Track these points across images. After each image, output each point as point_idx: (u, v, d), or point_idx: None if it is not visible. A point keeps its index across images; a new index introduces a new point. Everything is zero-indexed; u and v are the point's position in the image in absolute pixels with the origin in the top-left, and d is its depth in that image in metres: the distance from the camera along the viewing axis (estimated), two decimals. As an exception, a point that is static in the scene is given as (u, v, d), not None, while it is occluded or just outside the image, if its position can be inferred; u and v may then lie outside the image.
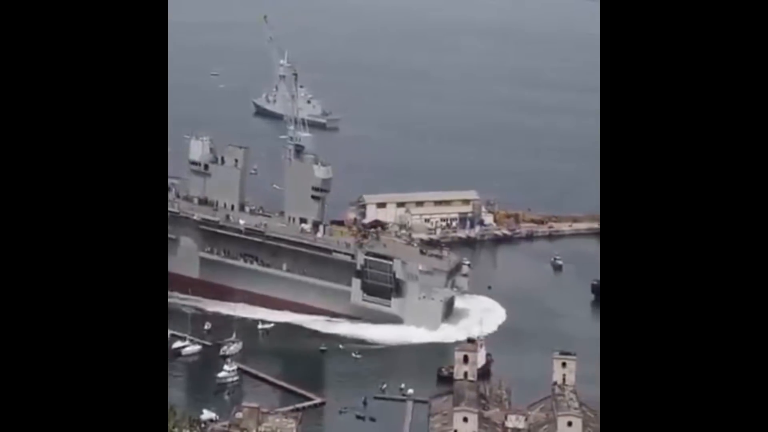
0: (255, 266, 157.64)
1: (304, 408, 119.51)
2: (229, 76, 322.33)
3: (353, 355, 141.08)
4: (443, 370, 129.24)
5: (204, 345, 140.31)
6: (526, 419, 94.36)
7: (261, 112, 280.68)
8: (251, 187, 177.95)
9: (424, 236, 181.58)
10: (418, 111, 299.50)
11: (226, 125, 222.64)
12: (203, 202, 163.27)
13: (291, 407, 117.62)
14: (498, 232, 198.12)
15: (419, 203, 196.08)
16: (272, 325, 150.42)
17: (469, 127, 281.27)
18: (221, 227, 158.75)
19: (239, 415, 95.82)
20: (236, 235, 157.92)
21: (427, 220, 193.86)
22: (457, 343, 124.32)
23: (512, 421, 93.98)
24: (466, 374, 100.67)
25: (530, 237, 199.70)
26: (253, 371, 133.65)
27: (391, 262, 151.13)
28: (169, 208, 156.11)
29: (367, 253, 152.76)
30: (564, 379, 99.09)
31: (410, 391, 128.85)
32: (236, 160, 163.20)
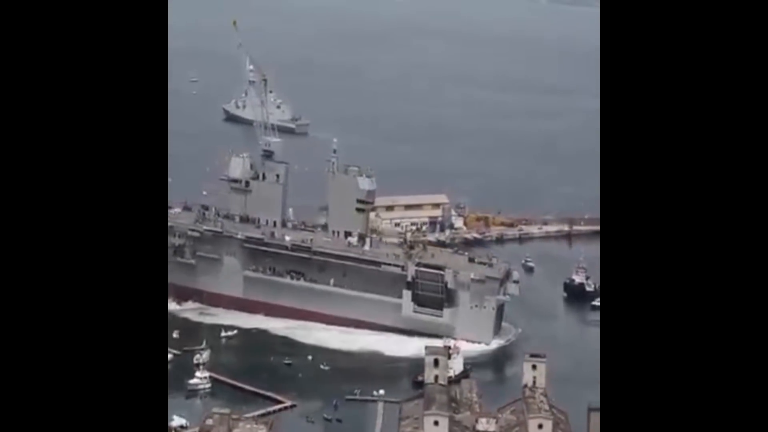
0: (302, 282, 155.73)
1: (274, 412, 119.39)
2: (200, 82, 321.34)
3: (321, 366, 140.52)
4: (419, 376, 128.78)
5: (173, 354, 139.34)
6: (496, 422, 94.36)
7: (231, 118, 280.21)
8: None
9: (395, 240, 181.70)
10: (383, 114, 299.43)
11: (196, 131, 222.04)
12: (244, 219, 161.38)
13: (262, 411, 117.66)
14: (468, 236, 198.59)
15: (389, 208, 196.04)
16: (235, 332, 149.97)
17: (436, 129, 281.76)
18: (266, 244, 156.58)
19: (210, 421, 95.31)
20: (282, 251, 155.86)
21: (397, 225, 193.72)
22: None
23: (483, 425, 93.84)
24: (436, 378, 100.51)
25: (501, 240, 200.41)
26: (224, 378, 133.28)
27: (442, 272, 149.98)
28: (212, 228, 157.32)
29: (418, 264, 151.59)
30: (534, 382, 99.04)
31: (381, 391, 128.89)
32: (277, 176, 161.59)
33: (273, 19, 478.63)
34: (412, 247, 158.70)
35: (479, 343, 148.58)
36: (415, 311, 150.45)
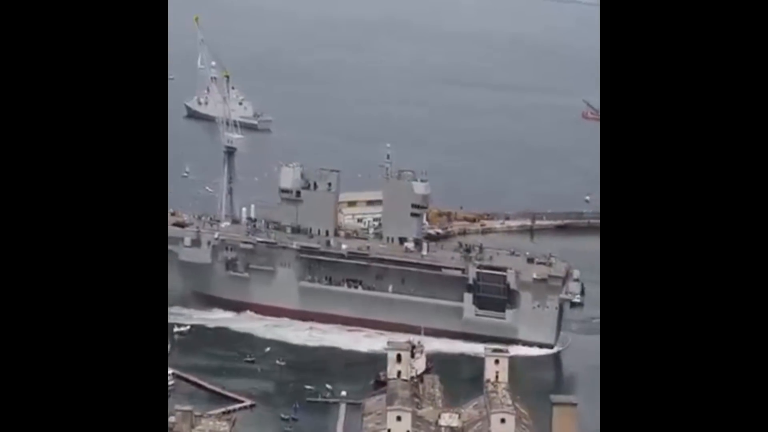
0: (360, 291, 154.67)
1: (235, 410, 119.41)
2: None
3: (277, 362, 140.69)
4: (381, 375, 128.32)
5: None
6: (459, 417, 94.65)
7: (192, 115, 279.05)
8: (183, 191, 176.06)
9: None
10: (344, 112, 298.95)
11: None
12: (296, 230, 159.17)
13: (223, 409, 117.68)
14: (431, 231, 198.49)
15: (351, 203, 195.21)
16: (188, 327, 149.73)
17: (397, 126, 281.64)
18: (322, 254, 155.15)
19: (172, 418, 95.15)
20: (338, 260, 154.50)
21: (360, 220, 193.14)
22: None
23: (446, 419, 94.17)
24: (399, 373, 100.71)
25: (463, 234, 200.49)
26: (186, 375, 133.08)
27: (504, 274, 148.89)
28: (265, 239, 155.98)
29: (479, 266, 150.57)
30: (497, 377, 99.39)
31: (343, 393, 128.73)
32: (329, 184, 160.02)
33: (236, 18, 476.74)
34: (468, 250, 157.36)
35: (542, 347, 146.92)
36: (476, 314, 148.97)
